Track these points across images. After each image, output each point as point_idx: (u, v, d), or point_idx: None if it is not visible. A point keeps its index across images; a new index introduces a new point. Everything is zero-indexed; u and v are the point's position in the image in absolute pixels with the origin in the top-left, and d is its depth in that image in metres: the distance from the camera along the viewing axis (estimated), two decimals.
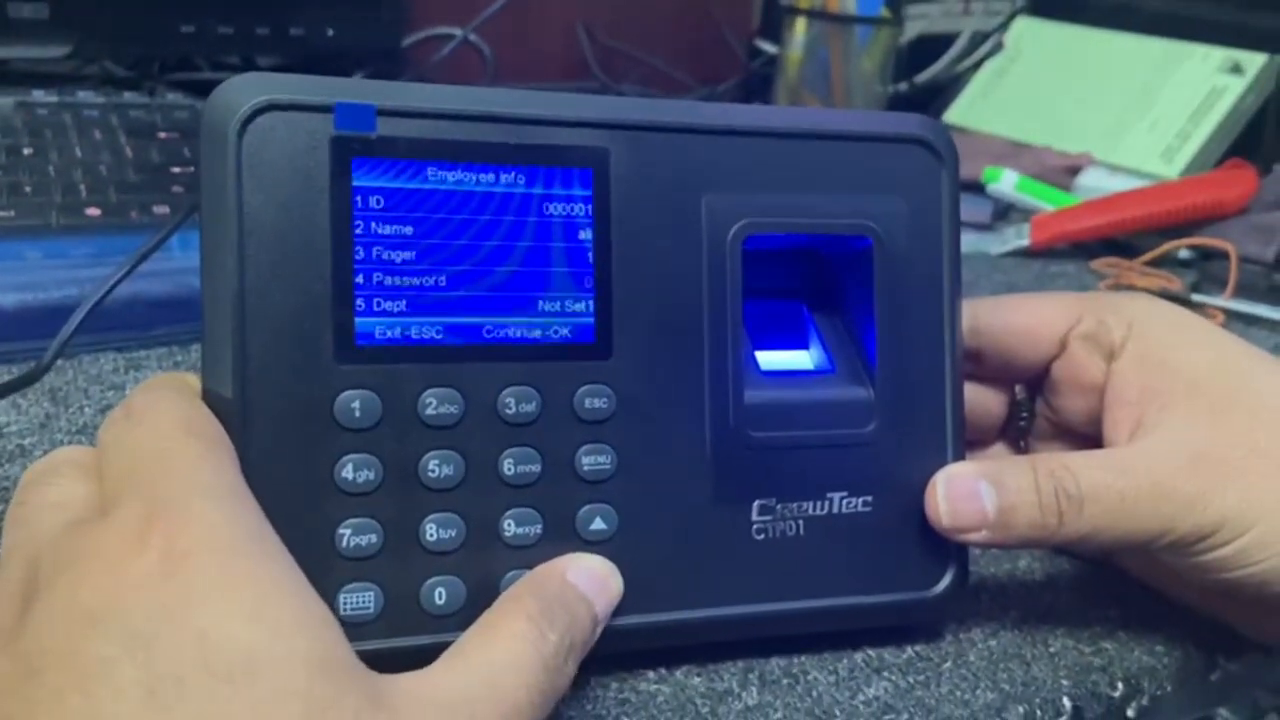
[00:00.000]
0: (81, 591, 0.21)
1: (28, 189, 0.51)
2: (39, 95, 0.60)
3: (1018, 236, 0.74)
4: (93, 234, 0.49)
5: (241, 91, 0.28)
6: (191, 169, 0.56)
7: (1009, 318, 0.37)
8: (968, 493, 0.32)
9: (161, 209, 0.52)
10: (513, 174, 0.30)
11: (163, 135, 0.59)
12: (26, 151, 0.54)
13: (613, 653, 0.30)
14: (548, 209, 0.30)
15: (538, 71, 0.98)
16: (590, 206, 0.31)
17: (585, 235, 0.31)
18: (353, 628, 0.26)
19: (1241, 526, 0.31)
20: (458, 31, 0.87)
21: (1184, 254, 0.72)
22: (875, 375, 0.33)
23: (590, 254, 0.31)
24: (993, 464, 0.33)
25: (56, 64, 0.68)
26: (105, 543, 0.22)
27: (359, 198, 0.29)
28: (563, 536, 0.30)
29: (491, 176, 0.30)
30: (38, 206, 0.50)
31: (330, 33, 0.76)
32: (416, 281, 0.29)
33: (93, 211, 0.50)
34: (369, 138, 0.29)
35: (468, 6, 0.87)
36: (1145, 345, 0.35)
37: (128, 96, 0.62)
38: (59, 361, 0.36)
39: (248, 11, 0.71)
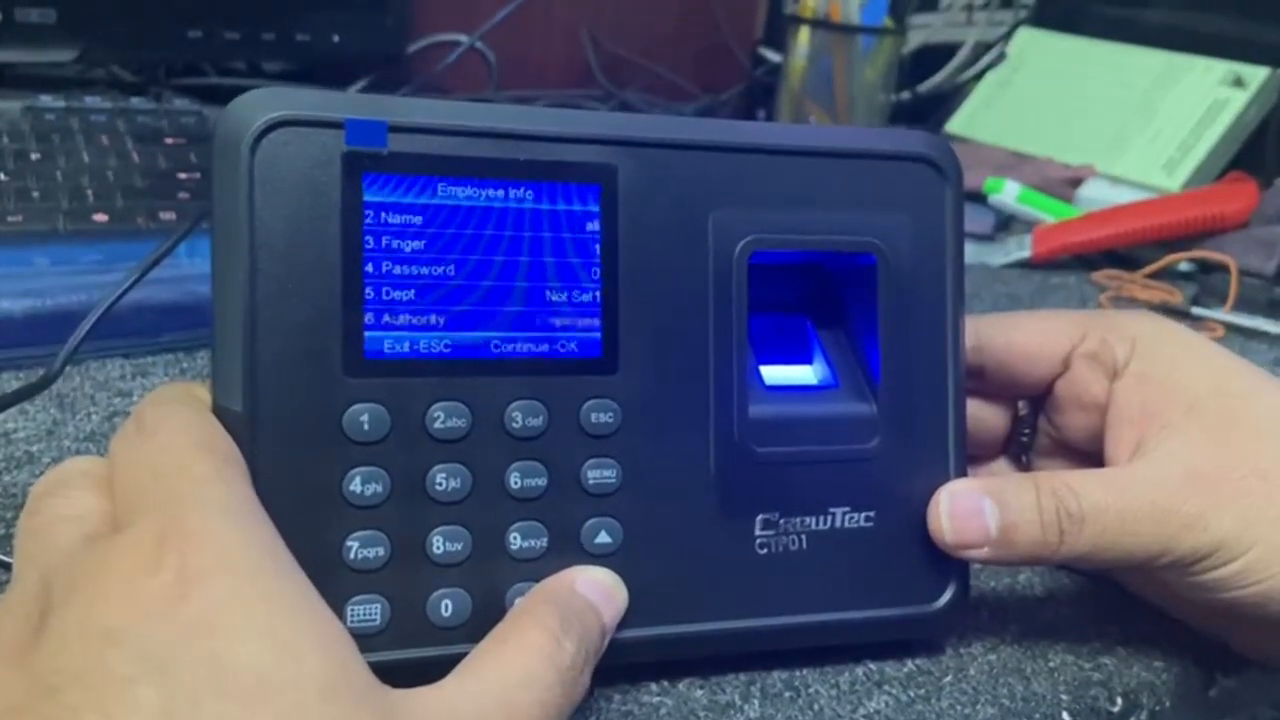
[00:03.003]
0: (98, 610, 0.22)
1: (35, 194, 0.51)
2: (46, 100, 0.60)
3: (1019, 248, 0.75)
4: (100, 240, 0.49)
5: (254, 107, 0.28)
6: (198, 175, 0.56)
7: (1012, 336, 0.37)
8: (970, 509, 0.32)
9: (168, 215, 0.52)
10: (522, 189, 0.30)
11: (169, 141, 0.59)
12: (34, 156, 0.54)
13: (616, 665, 0.30)
14: (556, 225, 0.31)
15: (542, 79, 0.98)
16: (598, 222, 0.31)
17: (593, 251, 0.31)
18: (359, 639, 0.26)
19: (1240, 547, 0.31)
20: (463, 38, 0.87)
21: (1185, 267, 0.73)
22: (878, 391, 0.34)
23: (598, 269, 0.31)
24: (995, 481, 0.33)
25: (63, 69, 0.68)
26: (120, 561, 0.22)
27: (370, 213, 0.29)
28: (568, 550, 0.30)
29: (501, 192, 0.30)
30: (45, 212, 0.50)
31: (336, 39, 0.76)
32: (425, 296, 0.29)
33: (100, 217, 0.51)
34: (380, 153, 0.29)
35: (473, 13, 0.87)
36: (1147, 364, 0.35)
37: (134, 102, 0.62)
38: (65, 368, 0.36)
39: (254, 18, 0.72)
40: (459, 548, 0.29)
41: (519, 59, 0.95)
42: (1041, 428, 0.39)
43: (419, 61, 0.87)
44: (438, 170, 0.29)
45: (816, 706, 0.32)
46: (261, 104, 0.28)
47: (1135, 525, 0.31)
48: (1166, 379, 0.34)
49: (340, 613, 0.28)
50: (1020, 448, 0.40)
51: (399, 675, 0.24)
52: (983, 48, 1.00)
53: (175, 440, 0.25)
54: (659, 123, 0.32)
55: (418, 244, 0.29)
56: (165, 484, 0.24)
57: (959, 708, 0.32)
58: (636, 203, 0.31)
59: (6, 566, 0.33)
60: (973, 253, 0.74)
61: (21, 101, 0.59)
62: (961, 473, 0.34)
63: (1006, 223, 0.81)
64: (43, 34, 0.65)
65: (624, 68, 1.00)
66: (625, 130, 0.31)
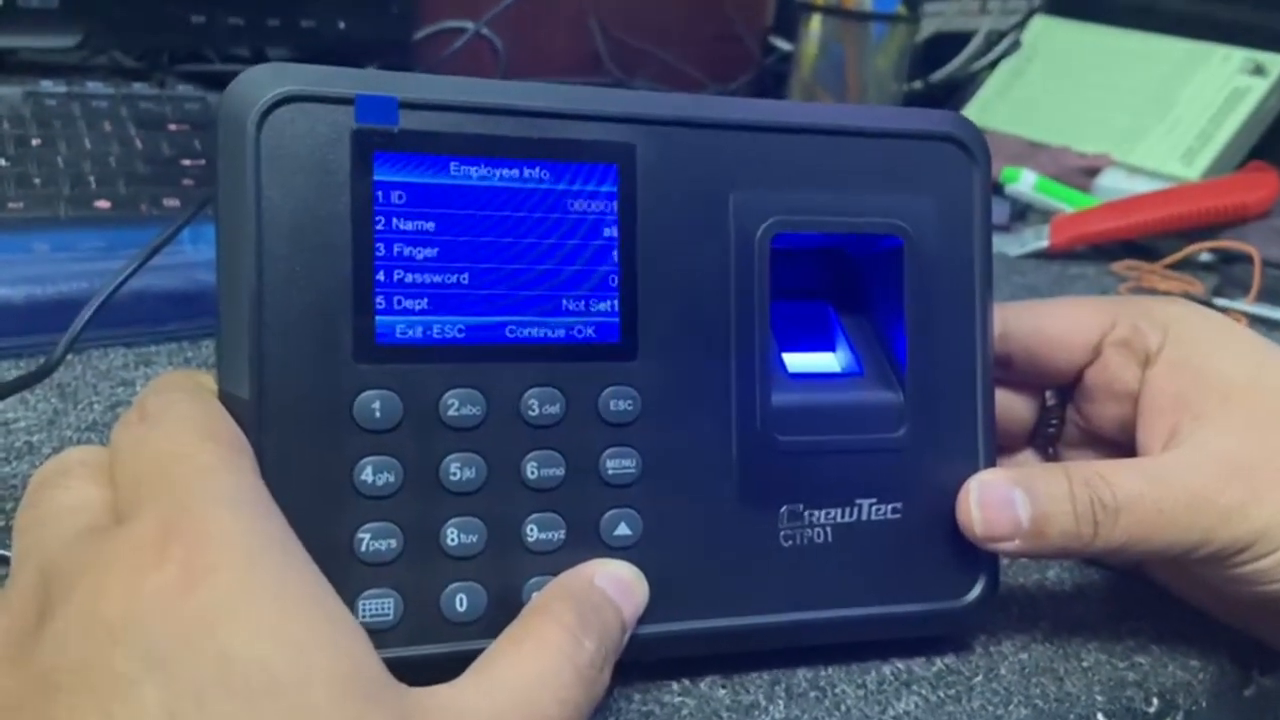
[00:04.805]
0: (100, 605, 0.21)
1: (36, 180, 0.50)
2: (47, 85, 0.59)
3: (1036, 238, 0.73)
4: (102, 226, 0.48)
5: (260, 83, 0.27)
6: (202, 161, 0.55)
7: (1041, 323, 0.36)
8: (1001, 500, 0.31)
9: (171, 202, 0.51)
10: (537, 169, 0.29)
11: (172, 127, 0.58)
12: (35, 142, 0.53)
13: (636, 662, 0.29)
14: (572, 205, 0.29)
15: (550, 66, 0.97)
16: (616, 203, 0.30)
17: (610, 232, 0.30)
18: (371, 635, 0.25)
19: None
20: (469, 25, 0.86)
21: (1205, 257, 0.71)
22: (905, 379, 0.33)
23: (615, 252, 0.30)
24: (1026, 472, 0.32)
25: (65, 54, 0.67)
26: (123, 554, 0.21)
27: (380, 192, 0.28)
28: (586, 542, 0.29)
29: (515, 172, 0.29)
30: (46, 198, 0.49)
31: (341, 25, 0.75)
32: (438, 279, 0.28)
33: (102, 204, 0.50)
34: (391, 131, 0.28)
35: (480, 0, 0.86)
36: (1181, 351, 0.34)
37: (137, 87, 0.62)
38: (67, 356, 0.35)
39: (258, 3, 0.71)
40: (474, 540, 0.28)
41: (526, 46, 0.94)
42: (1069, 418, 0.38)
43: (425, 48, 0.86)
44: (451, 149, 0.28)
45: (844, 707, 0.31)
46: (268, 79, 0.27)
47: (1173, 516, 0.30)
48: (1201, 366, 0.33)
49: (351, 608, 0.27)
50: (1047, 439, 0.39)
51: (412, 672, 0.23)
52: (996, 36, 0.99)
53: (180, 428, 0.24)
54: (678, 101, 0.31)
55: (430, 225, 0.28)
56: (169, 474, 0.23)
57: (991, 708, 0.31)
58: (655, 183, 0.30)
59: (5, 560, 0.32)
60: None
61: (23, 87, 0.58)
62: (991, 463, 0.33)
63: (1023, 213, 0.80)
64: (45, 19, 0.64)
65: (633, 56, 0.99)
66: (643, 108, 0.30)
